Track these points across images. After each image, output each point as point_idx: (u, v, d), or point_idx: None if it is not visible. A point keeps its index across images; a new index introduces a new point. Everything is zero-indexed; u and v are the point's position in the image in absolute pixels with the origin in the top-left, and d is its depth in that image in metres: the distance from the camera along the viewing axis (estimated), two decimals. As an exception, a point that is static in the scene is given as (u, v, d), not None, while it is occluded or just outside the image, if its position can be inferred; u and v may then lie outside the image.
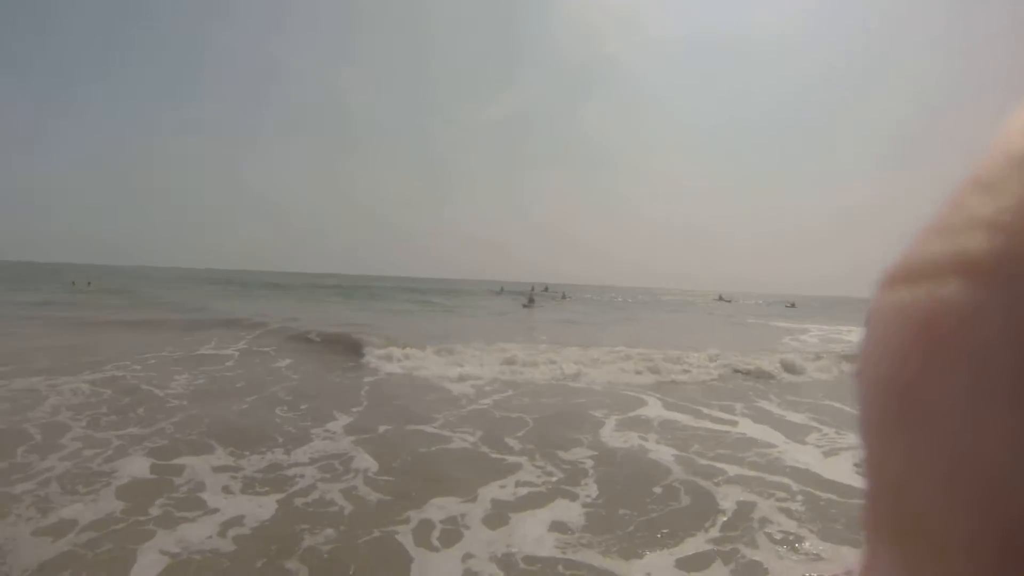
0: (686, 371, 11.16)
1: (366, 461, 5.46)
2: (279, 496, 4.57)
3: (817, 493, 5.02)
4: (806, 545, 4.04)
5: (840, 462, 5.97)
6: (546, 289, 46.30)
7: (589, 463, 5.64)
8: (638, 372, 10.82)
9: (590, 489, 4.95)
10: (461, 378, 9.61)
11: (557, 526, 4.23)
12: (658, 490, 4.98)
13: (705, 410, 8.21)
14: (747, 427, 7.35)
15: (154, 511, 4.19)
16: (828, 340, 21.45)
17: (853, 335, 24.35)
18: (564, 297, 46.55)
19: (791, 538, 4.14)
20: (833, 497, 4.93)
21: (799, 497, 4.92)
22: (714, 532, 4.23)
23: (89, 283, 38.57)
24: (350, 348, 11.99)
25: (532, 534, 4.10)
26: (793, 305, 59.64)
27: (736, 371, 11.53)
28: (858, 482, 5.25)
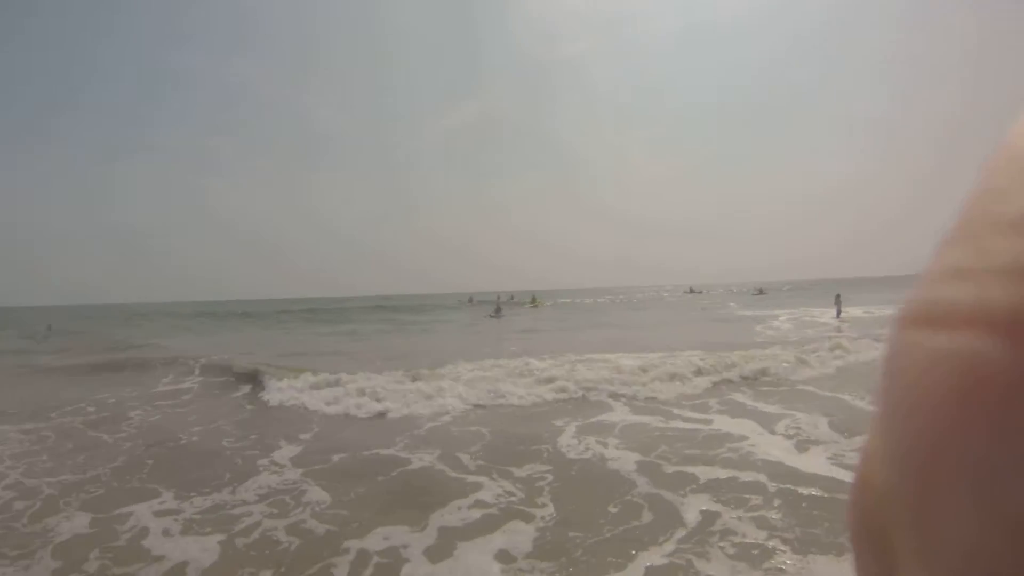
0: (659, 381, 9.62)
1: (316, 493, 5.12)
2: (221, 537, 4.30)
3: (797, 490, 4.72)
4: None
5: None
6: (512, 297, 44.68)
7: (548, 478, 5.28)
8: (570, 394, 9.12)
9: (547, 509, 4.58)
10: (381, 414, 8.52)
11: (504, 556, 3.85)
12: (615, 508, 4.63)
13: (676, 410, 7.91)
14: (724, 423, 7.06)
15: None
16: (801, 324, 21.62)
17: (823, 317, 24.69)
18: (534, 301, 44.65)
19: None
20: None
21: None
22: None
23: (49, 327, 36.58)
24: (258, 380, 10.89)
25: (477, 565, 3.72)
26: (761, 291, 60.06)
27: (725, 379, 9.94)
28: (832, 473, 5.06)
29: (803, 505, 4.41)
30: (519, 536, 4.11)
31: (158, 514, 4.75)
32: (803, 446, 5.93)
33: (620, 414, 7.73)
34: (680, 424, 7.11)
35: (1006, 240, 0.13)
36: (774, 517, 4.21)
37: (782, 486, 4.79)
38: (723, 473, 5.17)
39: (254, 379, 10.97)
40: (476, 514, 4.52)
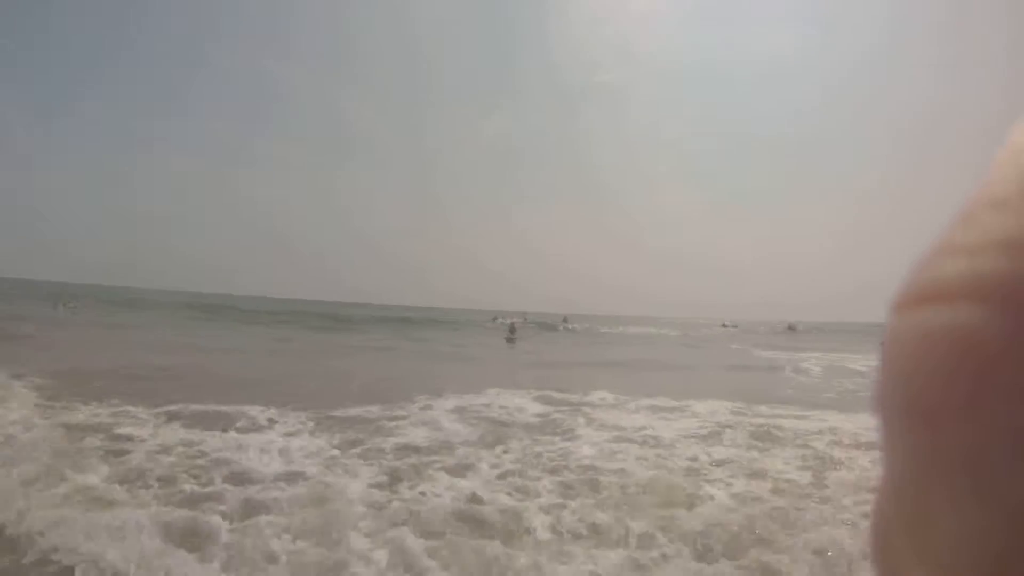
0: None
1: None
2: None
3: None
4: None
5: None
6: (525, 319, 41.90)
7: None
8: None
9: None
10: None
11: None
12: None
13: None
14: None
15: None
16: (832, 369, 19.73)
17: (857, 363, 22.66)
18: (565, 321, 45.96)
19: None
20: None
21: None
22: None
23: (71, 304, 36.96)
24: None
25: None
26: (792, 328, 59.16)
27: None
28: None
29: None
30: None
31: None
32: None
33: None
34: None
35: (995, 216, 0.13)
36: None
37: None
38: None
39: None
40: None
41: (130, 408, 7.90)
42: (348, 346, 22.84)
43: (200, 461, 5.87)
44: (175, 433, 6.91)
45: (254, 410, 8.19)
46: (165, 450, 6.15)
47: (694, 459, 6.74)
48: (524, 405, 9.83)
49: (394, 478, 5.69)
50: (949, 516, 0.12)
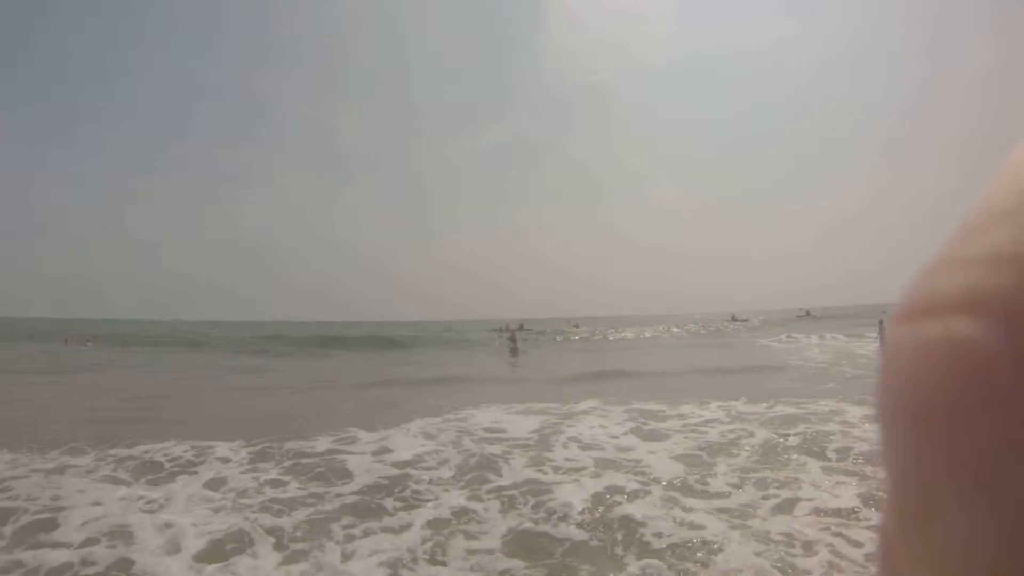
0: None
1: None
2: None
3: None
4: None
5: None
6: (521, 326, 36.16)
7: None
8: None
9: None
10: None
11: None
12: None
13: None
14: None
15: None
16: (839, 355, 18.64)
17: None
18: (576, 327, 44.89)
19: None
20: None
21: None
22: None
23: (88, 343, 36.03)
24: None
25: None
26: (808, 313, 58.28)
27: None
28: None
29: None
30: None
31: None
32: None
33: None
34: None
35: (992, 229, 0.13)
36: None
37: None
38: None
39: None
40: None
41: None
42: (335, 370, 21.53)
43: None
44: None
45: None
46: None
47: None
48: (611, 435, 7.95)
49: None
50: (950, 518, 0.12)
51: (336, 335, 40.06)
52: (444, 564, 4.10)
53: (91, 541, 4.42)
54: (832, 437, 7.07)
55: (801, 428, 7.61)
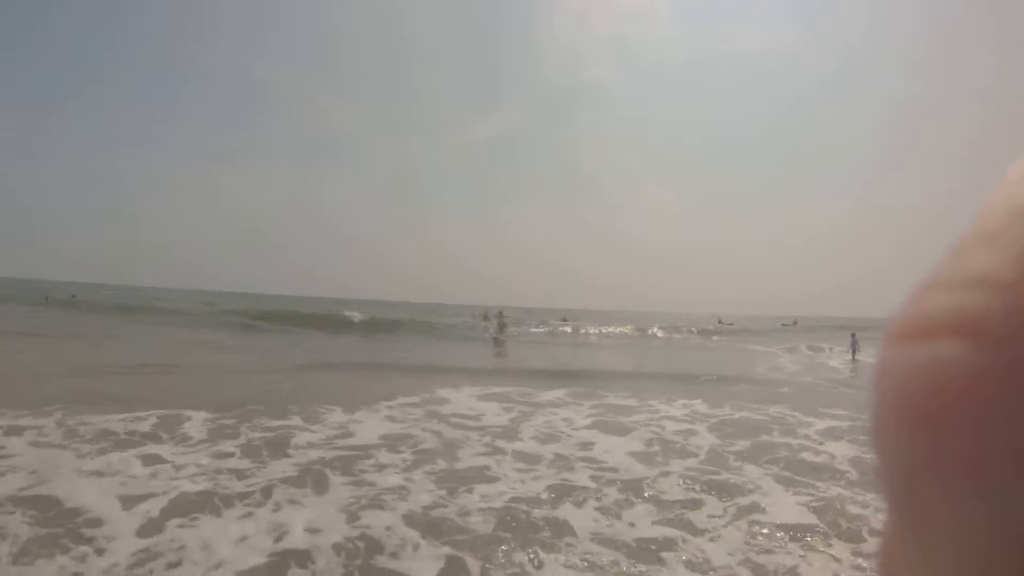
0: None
1: None
2: None
3: None
4: None
5: None
6: (501, 313, 32.43)
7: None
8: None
9: None
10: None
11: None
12: None
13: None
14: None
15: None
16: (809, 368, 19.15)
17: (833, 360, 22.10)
18: (564, 320, 40.08)
19: None
20: None
21: None
22: None
23: (73, 296, 37.82)
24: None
25: None
26: (795, 323, 58.66)
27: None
28: None
29: None
30: None
31: None
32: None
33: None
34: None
35: (981, 251, 0.13)
36: None
37: None
38: None
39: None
40: None
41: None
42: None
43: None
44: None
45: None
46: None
47: None
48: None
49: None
50: (943, 524, 0.12)
51: (291, 310, 36.68)
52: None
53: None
54: (777, 443, 7.43)
55: (749, 433, 7.97)
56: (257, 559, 3.86)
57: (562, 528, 4.58)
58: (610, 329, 37.20)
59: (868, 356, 21.70)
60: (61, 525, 4.22)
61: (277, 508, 4.73)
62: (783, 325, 55.36)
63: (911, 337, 0.14)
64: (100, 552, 3.88)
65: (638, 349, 27.43)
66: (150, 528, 4.25)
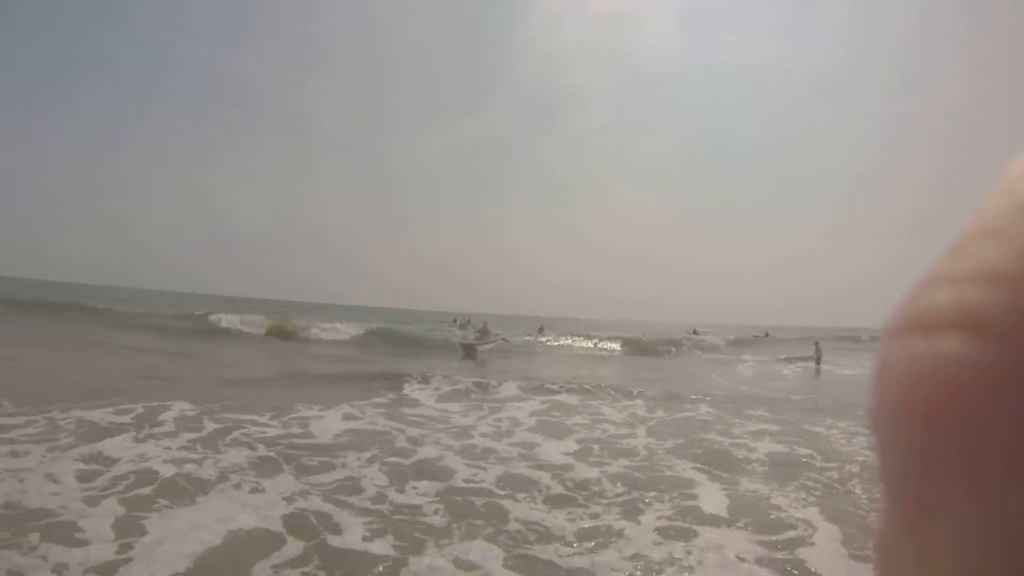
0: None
1: None
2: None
3: None
4: None
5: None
6: (469, 321, 32.44)
7: None
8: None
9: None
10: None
11: None
12: None
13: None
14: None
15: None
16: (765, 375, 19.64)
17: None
18: (541, 331, 34.99)
19: None
20: None
21: None
22: None
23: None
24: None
25: None
26: (767, 335, 58.68)
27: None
28: None
29: None
30: None
31: None
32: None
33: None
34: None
35: (983, 246, 0.13)
36: None
37: None
38: None
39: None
40: None
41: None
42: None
43: None
44: None
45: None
46: None
47: None
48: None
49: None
50: (943, 520, 0.12)
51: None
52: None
53: None
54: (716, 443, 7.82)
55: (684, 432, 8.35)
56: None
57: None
58: (584, 343, 34.14)
59: (827, 364, 22.34)
60: None
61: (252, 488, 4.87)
62: (754, 336, 55.43)
63: (912, 332, 0.14)
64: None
65: (609, 363, 27.78)
66: None
